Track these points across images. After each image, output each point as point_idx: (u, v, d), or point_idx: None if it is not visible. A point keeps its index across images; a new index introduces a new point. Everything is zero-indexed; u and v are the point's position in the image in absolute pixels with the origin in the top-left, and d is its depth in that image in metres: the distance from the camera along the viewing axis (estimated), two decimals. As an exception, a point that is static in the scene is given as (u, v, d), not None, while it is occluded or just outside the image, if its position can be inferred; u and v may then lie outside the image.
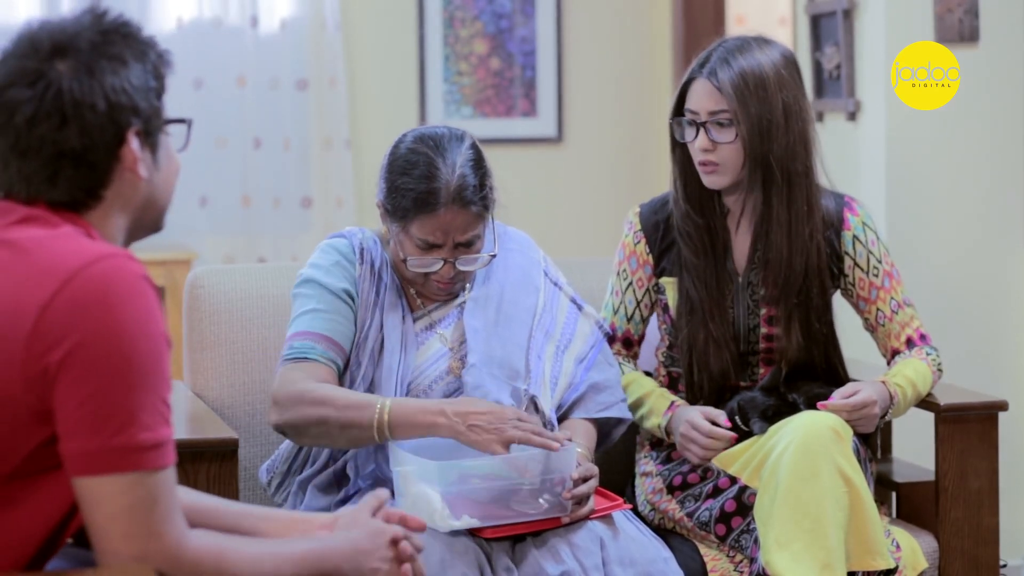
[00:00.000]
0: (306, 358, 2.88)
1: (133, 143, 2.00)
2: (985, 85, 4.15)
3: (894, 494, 3.35)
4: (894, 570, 2.94)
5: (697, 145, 3.11)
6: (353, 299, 2.95)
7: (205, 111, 5.56)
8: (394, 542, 2.19)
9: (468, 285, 3.02)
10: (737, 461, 3.01)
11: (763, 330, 3.16)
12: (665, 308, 3.23)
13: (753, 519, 2.94)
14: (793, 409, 3.05)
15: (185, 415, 3.07)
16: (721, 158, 3.09)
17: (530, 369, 2.95)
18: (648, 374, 3.29)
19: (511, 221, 3.10)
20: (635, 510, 3.07)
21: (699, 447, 3.05)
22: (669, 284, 3.21)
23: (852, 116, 4.41)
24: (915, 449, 3.59)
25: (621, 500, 2.91)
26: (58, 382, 1.87)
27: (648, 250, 3.23)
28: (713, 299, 3.14)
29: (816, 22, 4.62)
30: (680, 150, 3.17)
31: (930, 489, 3.18)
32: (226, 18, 5.73)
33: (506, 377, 2.92)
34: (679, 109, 3.14)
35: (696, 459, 3.06)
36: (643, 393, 3.19)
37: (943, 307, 4.11)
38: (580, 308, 3.13)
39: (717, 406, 3.12)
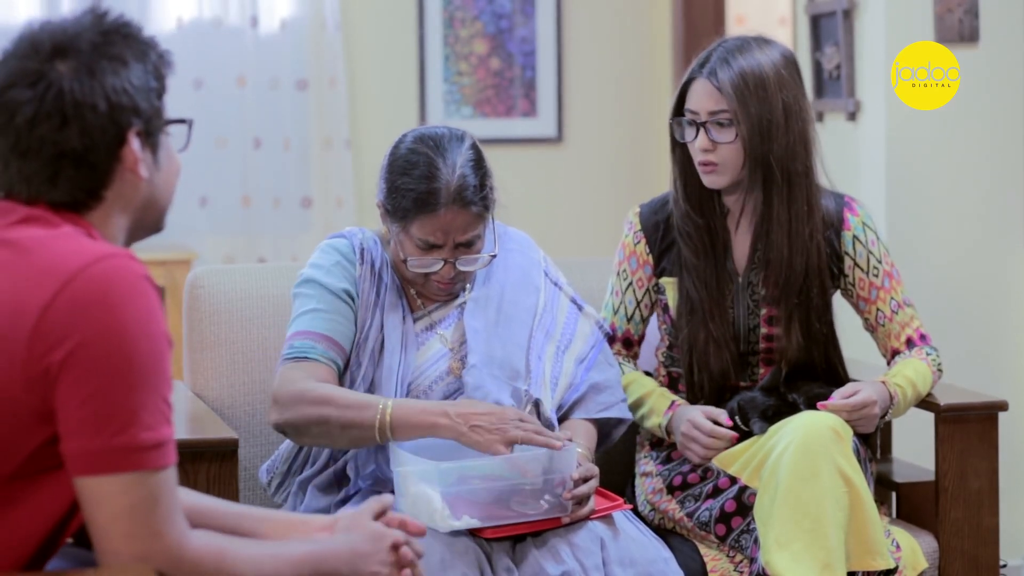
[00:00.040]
0: (307, 358, 2.88)
1: (134, 143, 2.00)
2: (985, 85, 4.15)
3: (894, 494, 3.35)
4: (894, 570, 2.94)
5: (697, 145, 3.11)
6: (353, 299, 2.95)
7: (205, 111, 5.56)
8: (395, 547, 2.19)
9: (468, 285, 3.02)
10: (737, 461, 3.02)
11: (763, 330, 3.16)
12: (665, 308, 3.23)
13: (753, 519, 2.94)
14: (793, 409, 3.05)
15: (185, 415, 3.07)
16: (721, 158, 3.09)
17: (530, 369, 2.95)
18: (648, 374, 3.29)
19: (511, 221, 3.10)
20: (635, 510, 3.07)
21: (701, 446, 3.05)
22: (669, 284, 3.21)
23: (852, 116, 4.41)
24: (915, 449, 3.59)
25: (621, 500, 2.91)
26: (59, 382, 1.87)
27: (648, 250, 3.23)
28: (713, 299, 3.14)
29: (816, 22, 4.63)
30: (680, 150, 3.17)
31: (930, 489, 3.18)
32: (226, 18, 5.73)
33: (506, 377, 2.92)
34: (679, 109, 3.14)
35: (697, 459, 3.06)
36: (643, 393, 3.19)
37: (943, 307, 4.11)
38: (580, 308, 3.13)
39: (717, 406, 3.12)
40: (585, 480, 2.78)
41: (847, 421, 2.97)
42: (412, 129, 2.95)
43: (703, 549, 3.03)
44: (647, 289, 3.25)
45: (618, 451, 3.22)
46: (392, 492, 2.83)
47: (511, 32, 5.92)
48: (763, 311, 3.16)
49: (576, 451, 2.79)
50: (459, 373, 2.95)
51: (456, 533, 2.69)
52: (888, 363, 3.24)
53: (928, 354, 3.19)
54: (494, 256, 2.96)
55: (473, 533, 2.71)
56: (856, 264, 3.19)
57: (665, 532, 3.06)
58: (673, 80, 5.72)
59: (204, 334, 3.29)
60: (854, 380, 3.15)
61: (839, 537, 2.86)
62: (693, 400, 3.17)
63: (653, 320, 3.31)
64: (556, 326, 3.06)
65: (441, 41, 5.88)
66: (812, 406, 3.02)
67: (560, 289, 3.12)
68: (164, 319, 1.94)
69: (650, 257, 3.23)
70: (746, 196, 3.16)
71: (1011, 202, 4.20)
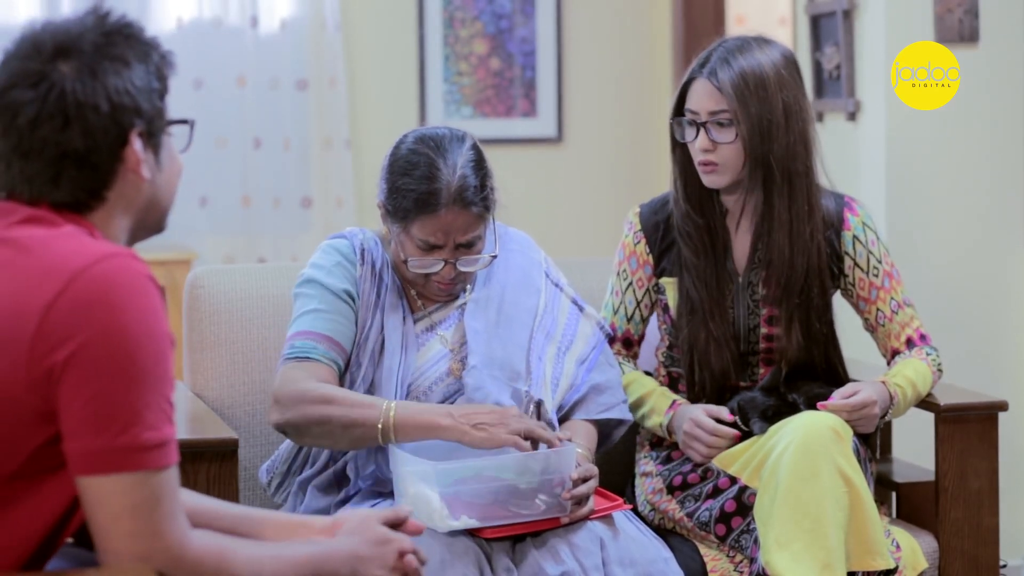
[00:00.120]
0: (308, 358, 2.88)
1: (136, 144, 2.00)
2: (985, 85, 4.15)
3: (894, 494, 3.35)
4: (894, 570, 2.94)
5: (697, 145, 3.11)
6: (354, 300, 2.95)
7: (205, 111, 5.56)
8: (401, 554, 2.19)
9: (469, 286, 3.02)
10: (737, 461, 3.02)
11: (763, 330, 3.16)
12: (665, 308, 3.23)
13: (753, 519, 2.94)
14: (793, 409, 3.05)
15: (185, 415, 3.07)
16: (721, 158, 3.09)
17: (531, 370, 2.95)
18: (648, 374, 3.29)
19: (511, 221, 3.10)
20: (635, 510, 3.07)
21: (703, 445, 3.05)
22: (669, 284, 3.21)
23: (852, 116, 4.41)
24: (915, 449, 3.59)
25: (621, 500, 2.91)
26: (62, 382, 1.87)
27: (648, 250, 3.23)
28: (713, 299, 3.14)
29: (816, 22, 4.63)
30: (680, 150, 3.17)
31: (930, 489, 3.18)
32: (226, 18, 5.73)
33: (507, 378, 2.92)
34: (679, 109, 3.14)
35: (699, 457, 3.06)
36: (644, 392, 3.19)
37: (943, 307, 4.11)
38: (581, 309, 3.13)
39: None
40: (584, 480, 2.78)
41: (847, 421, 2.97)
42: (413, 129, 2.95)
43: (703, 549, 3.03)
44: (647, 289, 3.25)
45: (618, 451, 3.22)
46: (391, 493, 2.83)
47: (511, 32, 5.92)
48: (763, 311, 3.16)
49: (575, 451, 2.79)
50: (459, 374, 2.95)
51: (455, 533, 2.69)
52: (888, 363, 3.24)
53: (928, 354, 3.19)
54: (495, 257, 2.96)
55: (472, 533, 2.71)
56: (856, 264, 3.19)
57: (665, 532, 3.06)
58: (673, 80, 5.72)
59: (204, 334, 3.29)
60: (854, 380, 3.15)
61: (839, 537, 2.86)
62: (694, 400, 3.17)
63: (653, 320, 3.31)
64: (557, 327, 3.06)
65: (441, 41, 5.88)
66: (812, 406, 3.02)
67: (561, 290, 3.12)
68: (166, 318, 1.94)
69: (650, 257, 3.23)
70: (746, 196, 3.16)
71: (1011, 202, 4.20)
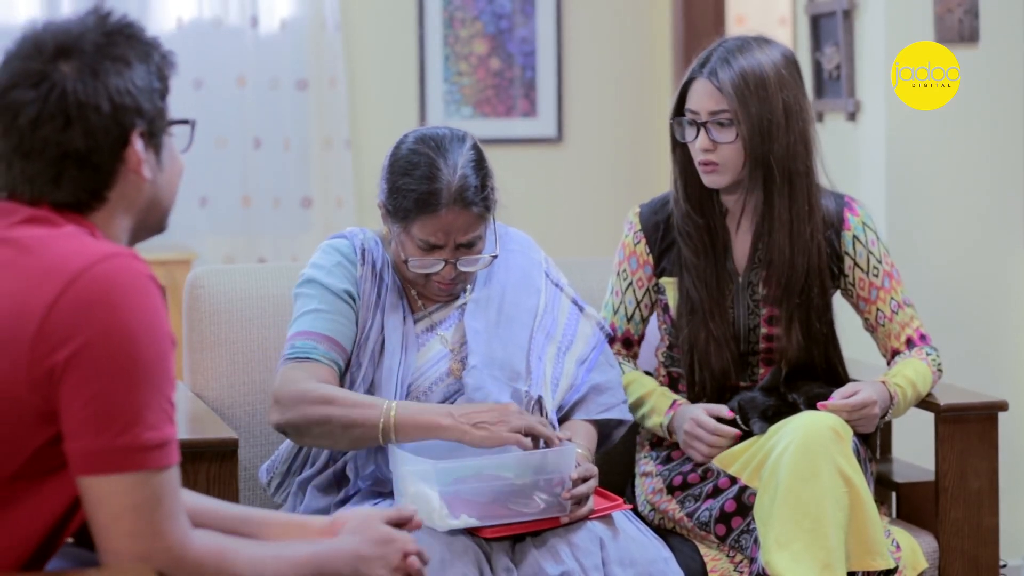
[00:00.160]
0: (308, 358, 2.88)
1: (137, 144, 2.00)
2: (985, 85, 4.15)
3: (894, 494, 3.35)
4: (894, 570, 2.94)
5: (698, 145, 3.11)
6: (354, 300, 2.95)
7: (205, 111, 5.56)
8: (405, 555, 2.19)
9: (469, 286, 3.02)
10: (737, 461, 3.02)
11: (763, 330, 3.16)
12: (665, 308, 3.23)
13: (753, 519, 2.94)
14: (793, 409, 3.05)
15: (185, 415, 3.07)
16: (721, 158, 3.09)
17: (531, 370, 2.95)
18: (648, 374, 3.29)
19: (511, 221, 3.10)
20: (635, 510, 3.07)
21: (704, 444, 3.05)
22: (669, 284, 3.21)
23: (852, 116, 4.41)
24: (915, 449, 3.59)
25: (621, 500, 2.91)
26: (63, 382, 1.87)
27: (648, 250, 3.23)
28: (713, 299, 3.14)
29: (816, 22, 4.63)
30: (680, 150, 3.17)
31: (930, 489, 3.18)
32: (226, 18, 5.73)
33: (507, 379, 2.92)
34: (679, 109, 3.14)
35: (700, 457, 3.06)
36: (644, 392, 3.19)
37: (943, 307, 4.11)
38: (581, 309, 3.13)
39: (718, 406, 3.13)
40: (584, 480, 2.78)
41: (847, 421, 2.97)
42: (413, 130, 2.95)
43: (703, 549, 3.03)
44: (647, 289, 3.25)
45: (618, 451, 3.22)
46: (391, 493, 2.83)
47: (511, 32, 5.92)
48: (763, 311, 3.16)
49: (575, 451, 2.79)
50: (459, 374, 2.95)
51: (455, 533, 2.69)
52: (888, 363, 3.24)
53: (928, 354, 3.19)
54: (495, 257, 2.96)
55: (472, 533, 2.71)
56: (856, 264, 3.19)
57: (665, 532, 3.06)
58: (673, 80, 5.72)
59: (204, 334, 3.29)
60: (854, 380, 3.15)
61: (839, 537, 2.86)
62: (694, 400, 3.17)
63: (653, 320, 3.31)
64: (557, 327, 3.06)
65: (441, 41, 5.88)
66: (812, 406, 3.02)
67: (561, 290, 3.12)
68: (167, 319, 1.94)
69: (650, 257, 3.23)
70: (746, 196, 3.16)
71: (1011, 202, 4.20)
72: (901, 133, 4.19)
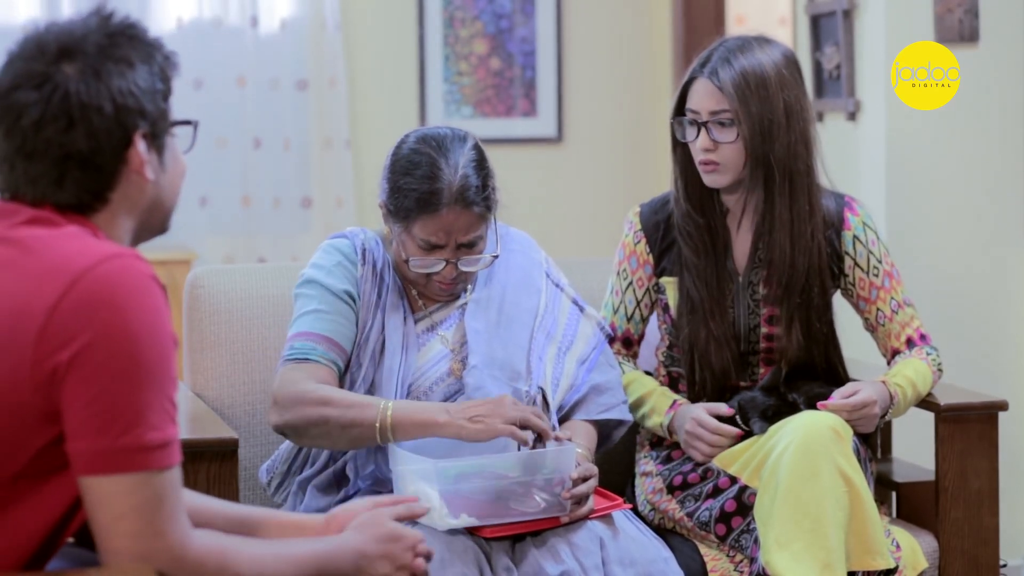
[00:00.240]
0: (307, 359, 2.89)
1: (140, 146, 2.00)
2: (985, 85, 4.15)
3: (894, 494, 3.35)
4: (894, 570, 2.95)
5: (698, 145, 3.11)
6: (354, 300, 2.95)
7: (205, 111, 5.55)
8: (416, 553, 2.19)
9: (470, 286, 3.02)
10: (737, 461, 3.02)
11: (763, 330, 3.16)
12: (665, 308, 3.23)
13: (753, 519, 2.94)
14: (793, 409, 3.05)
15: (185, 415, 3.06)
16: (722, 157, 3.09)
17: (531, 370, 2.95)
18: (648, 374, 3.29)
19: (511, 221, 3.11)
20: (635, 510, 3.07)
21: (705, 444, 3.05)
22: (669, 284, 3.21)
23: (852, 116, 4.41)
24: (915, 449, 3.59)
25: (621, 500, 2.91)
26: (66, 382, 1.88)
27: (648, 250, 3.23)
28: (714, 298, 3.15)
29: (816, 22, 4.63)
30: (681, 149, 3.17)
31: (930, 489, 3.18)
32: (226, 18, 5.73)
33: (507, 379, 2.92)
34: (680, 108, 3.15)
35: (701, 457, 3.07)
36: (644, 392, 3.19)
37: (943, 307, 4.11)
38: (582, 310, 3.13)
39: (718, 406, 3.13)
40: (584, 479, 2.78)
41: (847, 421, 2.97)
42: (415, 129, 2.96)
43: (703, 549, 3.03)
44: (647, 289, 3.25)
45: (618, 451, 3.22)
46: (391, 492, 2.83)
47: (511, 32, 5.92)
48: (763, 311, 3.16)
49: (575, 450, 2.79)
50: (460, 374, 2.95)
51: (455, 532, 2.69)
52: (888, 363, 3.24)
53: (928, 354, 3.19)
54: (496, 257, 2.96)
55: (472, 532, 2.71)
56: (856, 264, 3.19)
57: (665, 532, 3.06)
58: (673, 80, 5.72)
59: (204, 334, 3.29)
60: (854, 380, 3.15)
61: (839, 537, 2.86)
62: (694, 399, 3.17)
63: (653, 320, 3.31)
64: (557, 327, 3.06)
65: (441, 41, 5.87)
66: (812, 406, 3.02)
67: (561, 290, 3.12)
68: (170, 319, 1.94)
69: (650, 257, 3.23)
70: (747, 195, 3.16)
71: (1011, 202, 4.20)
72: (901, 133, 4.19)
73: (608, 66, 6.00)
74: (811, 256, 3.13)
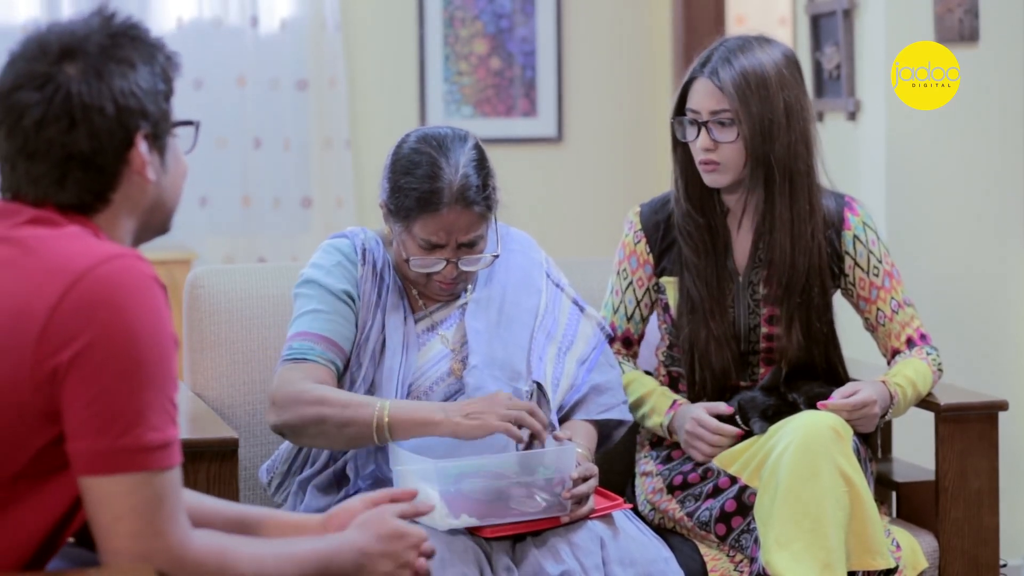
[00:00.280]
0: (305, 359, 2.89)
1: (141, 146, 2.00)
2: (985, 85, 4.15)
3: (894, 494, 3.35)
4: (894, 570, 2.95)
5: (699, 144, 3.11)
6: (354, 300, 2.95)
7: (205, 111, 5.54)
8: (420, 552, 2.19)
9: (470, 286, 3.02)
10: (737, 461, 3.02)
11: (764, 330, 3.16)
12: (665, 308, 3.23)
13: (753, 519, 2.94)
14: (793, 409, 3.05)
15: (185, 415, 3.06)
16: (722, 157, 3.09)
17: (531, 370, 2.95)
18: (648, 374, 3.29)
19: (511, 221, 3.11)
20: (635, 510, 3.07)
21: (705, 444, 3.05)
22: (669, 283, 3.21)
23: (852, 116, 4.41)
24: (915, 449, 3.59)
25: (621, 500, 2.91)
26: (66, 382, 1.88)
27: (648, 249, 3.23)
28: (714, 298, 3.15)
29: (816, 22, 4.63)
30: (681, 149, 3.17)
31: (930, 489, 3.18)
32: (226, 18, 5.72)
33: (507, 378, 2.92)
34: (680, 108, 3.15)
35: (701, 456, 3.07)
36: (644, 392, 3.19)
37: (943, 307, 4.11)
38: (582, 310, 3.13)
39: (718, 406, 3.13)
40: (584, 479, 2.78)
41: (847, 421, 2.97)
42: (415, 129, 2.96)
43: (703, 549, 3.03)
44: (647, 288, 3.25)
45: (618, 451, 3.22)
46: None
47: (511, 32, 5.92)
48: (764, 310, 3.16)
49: (575, 450, 2.79)
50: (460, 374, 2.95)
51: (455, 532, 2.69)
52: (888, 363, 3.24)
53: (928, 354, 3.19)
54: (496, 256, 2.96)
55: (472, 532, 2.71)
56: (856, 264, 3.19)
57: (665, 532, 3.06)
58: (673, 80, 5.72)
59: (204, 334, 3.29)
60: (854, 380, 3.15)
61: (839, 537, 2.86)
62: (694, 399, 3.17)
63: (653, 320, 3.31)
64: (558, 327, 3.06)
65: (441, 41, 5.87)
66: (812, 406, 3.02)
67: (562, 290, 3.12)
68: (171, 320, 1.94)
69: (650, 256, 3.24)
70: (747, 195, 3.16)
71: (1011, 202, 4.20)
72: (901, 133, 4.19)
73: (608, 66, 6.00)
74: (811, 256, 3.13)
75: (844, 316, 3.27)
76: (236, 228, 5.76)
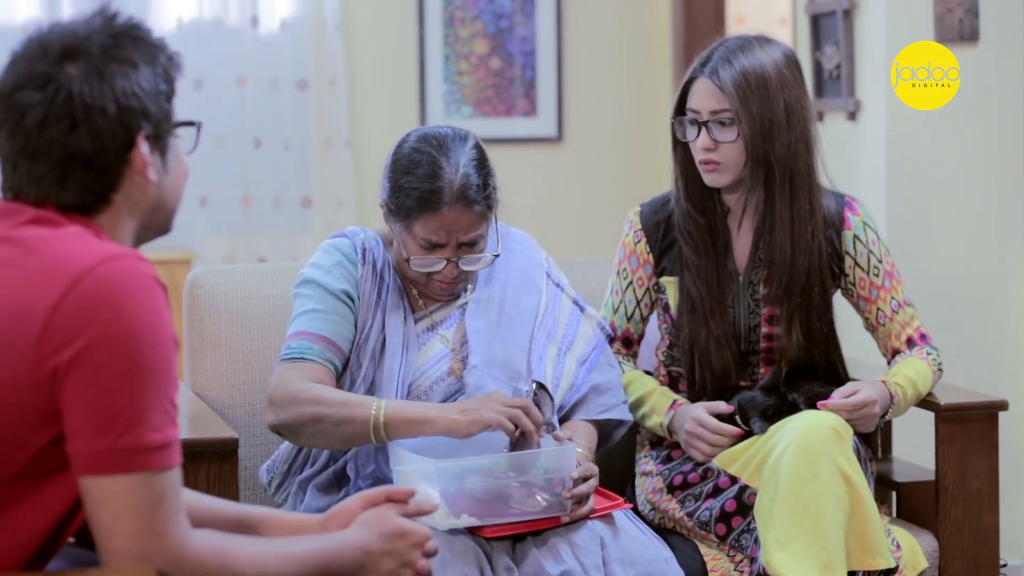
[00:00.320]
0: (303, 358, 2.89)
1: (143, 147, 2.00)
2: (985, 85, 4.15)
3: (894, 494, 3.35)
4: (894, 570, 2.95)
5: (699, 144, 3.11)
6: (353, 300, 2.95)
7: (205, 111, 5.55)
8: (424, 552, 2.19)
9: (470, 286, 3.02)
10: (737, 461, 3.02)
11: (764, 329, 3.16)
12: (665, 307, 3.23)
13: (753, 519, 2.94)
14: (793, 409, 3.05)
15: (185, 415, 3.06)
16: (723, 157, 3.09)
17: (531, 370, 2.95)
18: (648, 373, 3.29)
19: (511, 221, 3.11)
20: (635, 510, 3.07)
21: (706, 444, 3.05)
22: (670, 283, 3.21)
23: (852, 116, 4.41)
24: (915, 449, 3.59)
25: (621, 500, 2.91)
26: (66, 382, 1.88)
27: (648, 249, 3.23)
28: (714, 298, 3.15)
29: (816, 22, 4.63)
30: (681, 149, 3.17)
31: (930, 489, 3.18)
32: (226, 18, 5.73)
33: (507, 378, 2.92)
34: (681, 108, 3.15)
35: (701, 456, 3.07)
36: (644, 392, 3.19)
37: (943, 307, 4.11)
38: (582, 310, 3.13)
39: (718, 406, 3.13)
40: (584, 479, 2.78)
41: (847, 420, 2.97)
42: (415, 129, 2.96)
43: (703, 549, 3.03)
44: (647, 288, 3.25)
45: (618, 451, 3.22)
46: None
47: (511, 32, 5.92)
48: (764, 310, 3.16)
49: (576, 450, 2.79)
50: (460, 374, 2.95)
51: (455, 532, 2.69)
52: (888, 362, 3.24)
53: (928, 353, 3.19)
54: (497, 256, 2.96)
55: (473, 532, 2.71)
56: (857, 263, 3.19)
57: (665, 532, 3.06)
58: (673, 80, 5.72)
59: (204, 334, 3.29)
60: (854, 380, 3.15)
61: (839, 537, 2.86)
62: (694, 399, 3.17)
63: (653, 320, 3.31)
64: (558, 327, 3.06)
65: (441, 41, 5.87)
66: (812, 405, 3.02)
67: (562, 290, 3.12)
68: (171, 320, 1.94)
69: (650, 256, 3.24)
70: (747, 195, 3.16)
71: (1011, 202, 4.20)
72: (901, 133, 4.19)
73: (608, 66, 6.00)
74: (811, 256, 3.13)
75: (844, 316, 3.27)
76: (236, 228, 5.76)
